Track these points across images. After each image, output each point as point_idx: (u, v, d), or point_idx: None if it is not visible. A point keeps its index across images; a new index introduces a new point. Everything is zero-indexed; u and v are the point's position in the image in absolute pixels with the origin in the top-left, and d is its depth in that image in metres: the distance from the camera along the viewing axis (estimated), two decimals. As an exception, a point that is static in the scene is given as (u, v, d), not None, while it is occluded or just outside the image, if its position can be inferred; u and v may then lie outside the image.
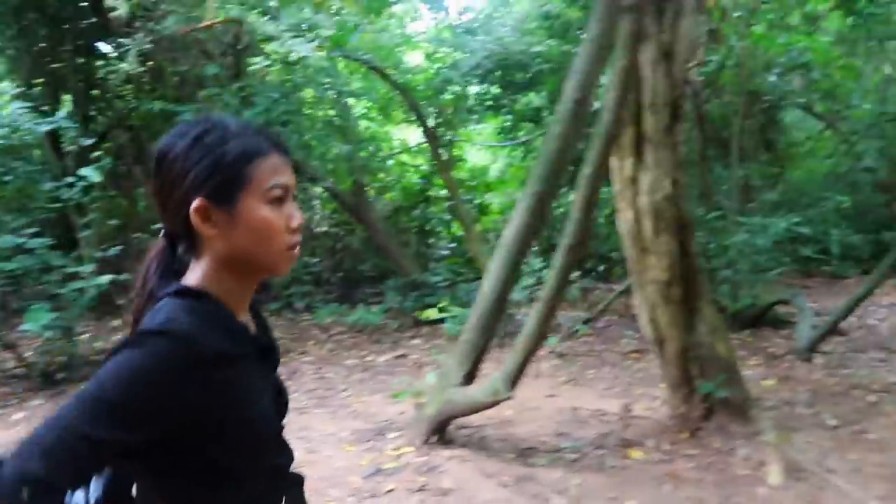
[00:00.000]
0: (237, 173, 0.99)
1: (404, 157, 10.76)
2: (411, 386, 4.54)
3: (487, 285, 3.74)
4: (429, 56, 9.34)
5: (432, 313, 6.08)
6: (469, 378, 3.75)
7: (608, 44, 3.62)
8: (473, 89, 9.67)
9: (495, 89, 9.38)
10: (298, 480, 1.16)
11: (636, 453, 3.94)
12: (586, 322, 7.74)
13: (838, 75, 12.58)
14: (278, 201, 1.02)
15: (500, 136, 11.21)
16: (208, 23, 6.33)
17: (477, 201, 11.18)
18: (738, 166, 9.52)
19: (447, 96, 8.30)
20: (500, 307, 3.69)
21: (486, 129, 11.93)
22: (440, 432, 3.92)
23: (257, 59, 5.75)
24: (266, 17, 6.42)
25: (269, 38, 5.47)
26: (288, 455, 1.13)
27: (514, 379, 3.47)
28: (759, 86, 8.63)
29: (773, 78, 8.26)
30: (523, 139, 10.21)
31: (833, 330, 6.64)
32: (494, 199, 10.77)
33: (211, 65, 7.54)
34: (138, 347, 0.90)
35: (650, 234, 4.11)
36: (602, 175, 3.20)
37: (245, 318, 1.08)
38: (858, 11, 10.58)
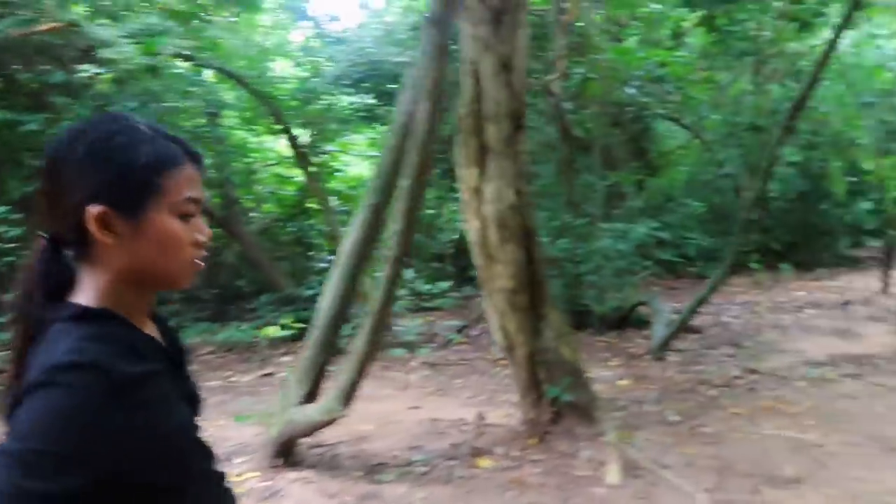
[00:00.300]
0: (148, 182, 0.92)
1: (281, 169, 10.48)
2: (260, 406, 4.36)
3: (326, 301, 3.65)
4: (299, 65, 9.15)
5: (272, 331, 5.90)
6: (310, 396, 3.64)
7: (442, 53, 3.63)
8: (349, 99, 9.57)
9: (370, 99, 9.32)
10: (223, 476, 1.11)
11: (485, 462, 3.95)
12: (460, 330, 7.80)
13: (699, 88, 13.42)
14: (188, 215, 0.96)
15: (378, 147, 11.17)
16: (46, 27, 5.90)
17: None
18: (603, 174, 9.94)
19: (317, 106, 8.15)
20: (339, 322, 3.60)
21: (365, 139, 11.84)
22: (286, 454, 3.78)
23: (85, 67, 5.39)
24: (113, 22, 6.07)
25: (104, 45, 5.15)
26: (211, 455, 1.07)
27: (349, 395, 3.39)
28: (621, 97, 9.04)
29: (632, 90, 8.65)
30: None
31: (683, 329, 6.99)
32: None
33: (58, 72, 7.05)
34: (53, 387, 0.83)
35: (496, 243, 4.16)
36: (422, 187, 3.20)
37: (149, 328, 1.02)
38: (718, 28, 11.32)
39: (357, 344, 3.34)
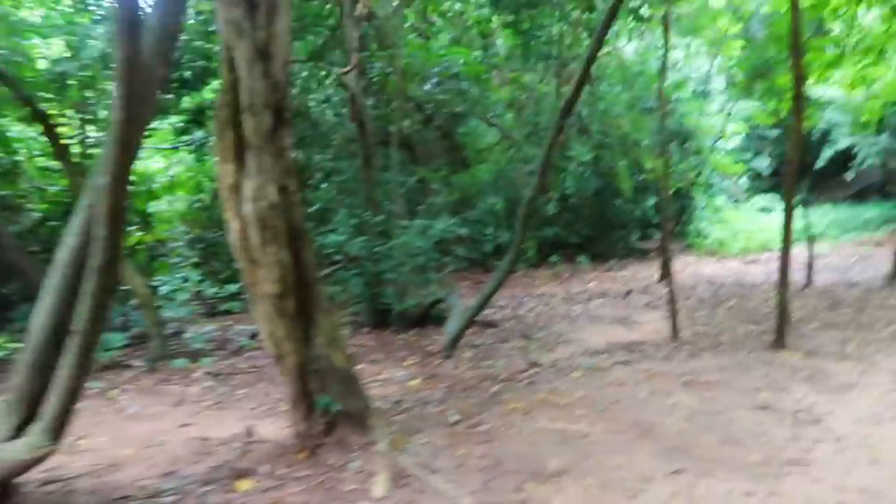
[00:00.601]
0: None
1: (49, 162, 9.26)
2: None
3: (39, 318, 3.12)
4: (69, 46, 8.09)
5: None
6: (24, 428, 3.09)
7: (170, 36, 3.26)
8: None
9: (154, 86, 8.49)
10: None
11: (245, 484, 3.63)
12: (254, 336, 7.35)
13: (507, 88, 13.92)
14: None
15: (173, 139, 10.32)
16: None
17: (153, 210, 10.17)
18: (411, 170, 9.94)
19: (83, 91, 7.24)
20: (57, 342, 3.09)
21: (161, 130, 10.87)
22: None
23: None
24: None
25: None
26: None
27: (59, 426, 2.91)
28: (420, 94, 9.06)
29: (429, 87, 8.69)
30: (194, 141, 9.48)
31: (477, 324, 7.11)
32: (164, 207, 9.84)
33: None
34: None
35: (257, 245, 3.84)
36: (124, 184, 2.81)
37: None
38: (524, 32, 11.78)
39: (65, 367, 2.86)
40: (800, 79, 5.79)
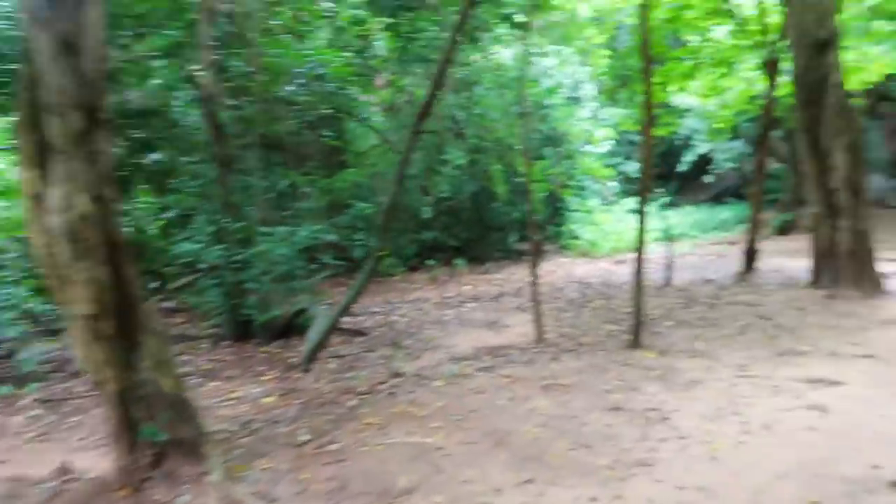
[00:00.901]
0: None
1: None
2: None
3: None
4: None
5: None
6: None
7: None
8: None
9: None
10: None
11: (51, 531, 3.24)
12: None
13: (388, 90, 13.72)
14: None
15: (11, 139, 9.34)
16: None
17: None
18: (286, 174, 9.55)
19: None
20: None
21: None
22: None
23: None
24: None
25: None
26: None
27: None
28: (287, 95, 8.69)
29: (292, 88, 8.36)
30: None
31: (344, 333, 6.90)
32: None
33: None
34: None
35: (67, 261, 3.44)
36: None
37: None
38: (402, 34, 11.62)
39: None
40: (649, 91, 5.99)
